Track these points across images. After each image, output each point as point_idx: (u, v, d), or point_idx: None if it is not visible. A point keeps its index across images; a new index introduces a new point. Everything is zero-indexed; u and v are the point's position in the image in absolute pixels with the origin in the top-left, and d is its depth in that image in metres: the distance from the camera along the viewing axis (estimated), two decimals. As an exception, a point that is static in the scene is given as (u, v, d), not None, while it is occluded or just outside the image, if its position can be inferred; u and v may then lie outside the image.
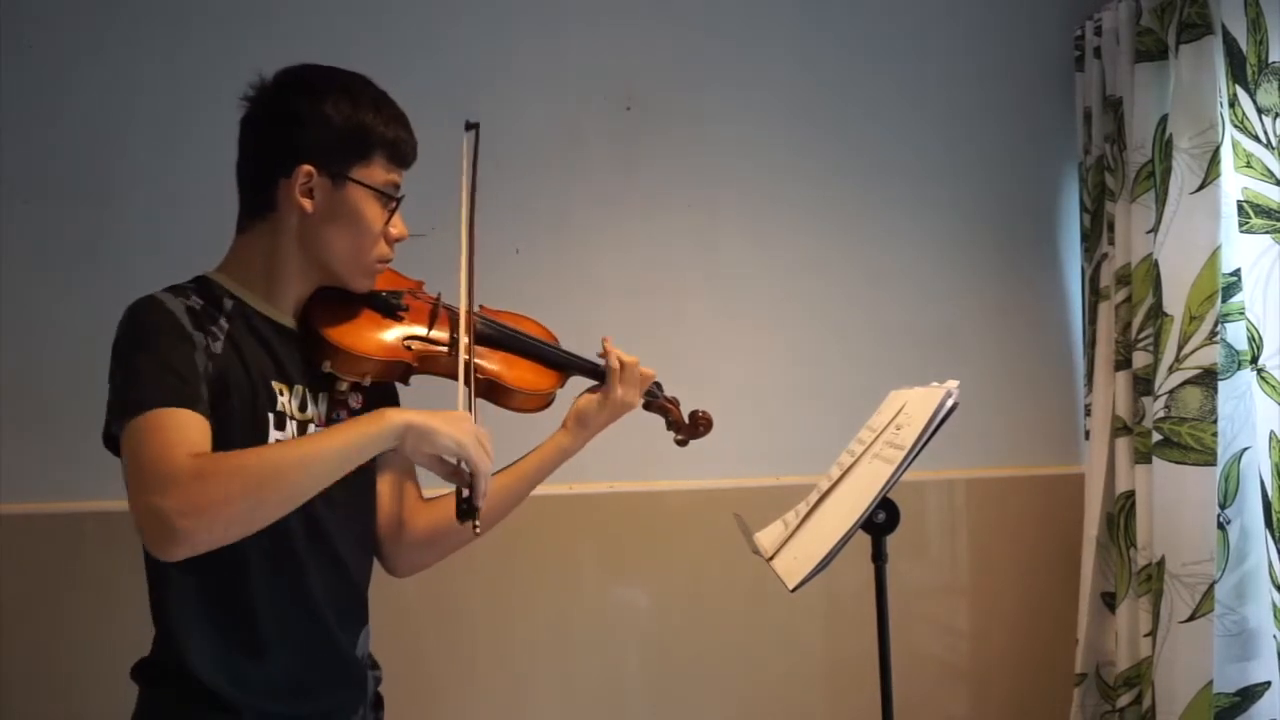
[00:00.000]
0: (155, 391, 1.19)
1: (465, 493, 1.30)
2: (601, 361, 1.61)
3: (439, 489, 1.59)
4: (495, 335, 1.54)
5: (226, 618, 1.30)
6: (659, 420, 1.74)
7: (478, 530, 1.29)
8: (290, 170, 1.32)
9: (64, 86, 2.11)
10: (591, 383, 1.62)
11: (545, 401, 1.57)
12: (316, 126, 1.32)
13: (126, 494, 1.17)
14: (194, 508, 1.12)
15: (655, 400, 1.69)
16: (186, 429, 1.18)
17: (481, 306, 1.55)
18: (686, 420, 1.70)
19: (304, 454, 1.21)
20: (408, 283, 1.52)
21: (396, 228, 1.39)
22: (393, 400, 1.51)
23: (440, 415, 1.28)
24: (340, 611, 1.39)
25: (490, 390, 1.50)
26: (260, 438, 1.28)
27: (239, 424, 1.26)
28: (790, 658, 2.28)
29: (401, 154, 1.39)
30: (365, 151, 1.35)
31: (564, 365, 1.60)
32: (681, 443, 1.72)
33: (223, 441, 1.23)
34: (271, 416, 1.30)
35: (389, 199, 1.37)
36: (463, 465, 1.31)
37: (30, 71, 2.10)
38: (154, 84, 2.14)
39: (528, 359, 1.57)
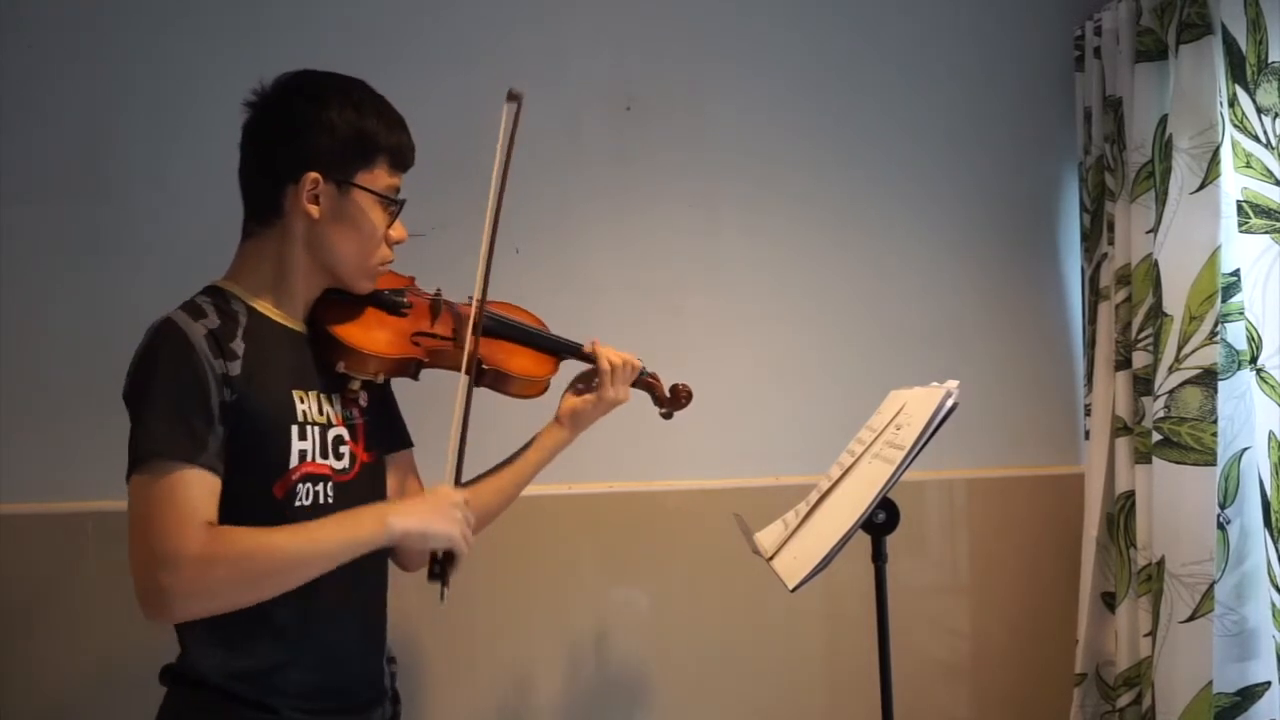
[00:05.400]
0: (168, 444, 1.22)
1: (440, 555, 1.36)
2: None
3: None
4: (496, 326, 1.58)
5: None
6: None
7: (444, 598, 1.35)
8: (297, 177, 1.34)
9: (64, 86, 2.12)
10: (585, 366, 1.67)
11: (544, 388, 1.62)
12: (322, 134, 1.34)
13: (129, 545, 1.20)
14: (194, 591, 1.20)
15: (640, 379, 1.72)
16: (197, 494, 1.22)
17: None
18: (668, 394, 1.74)
19: (306, 549, 1.26)
20: (400, 280, 1.54)
21: (397, 231, 1.42)
22: (389, 399, 1.53)
23: (429, 504, 1.34)
24: (371, 579, 1.43)
25: (495, 379, 1.55)
26: (283, 452, 1.31)
27: (262, 442, 1.29)
28: (790, 658, 2.28)
29: (403, 158, 1.41)
30: (369, 157, 1.37)
31: (560, 351, 1.65)
32: (666, 415, 1.77)
33: (245, 463, 1.26)
34: (295, 429, 1.32)
35: (391, 203, 1.40)
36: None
37: (30, 71, 2.10)
38: (153, 83, 2.14)
39: (527, 347, 1.61)
